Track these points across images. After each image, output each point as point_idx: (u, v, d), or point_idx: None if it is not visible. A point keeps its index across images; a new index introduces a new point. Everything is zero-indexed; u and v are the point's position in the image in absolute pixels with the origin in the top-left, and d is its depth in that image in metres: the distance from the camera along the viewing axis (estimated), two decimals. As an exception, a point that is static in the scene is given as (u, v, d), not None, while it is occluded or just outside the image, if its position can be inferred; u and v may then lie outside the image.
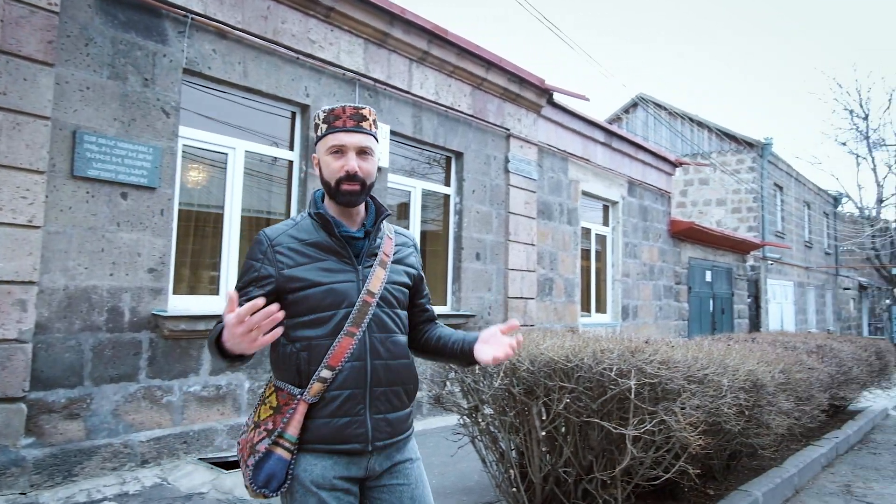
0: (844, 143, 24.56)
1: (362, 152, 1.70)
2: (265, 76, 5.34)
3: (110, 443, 4.24)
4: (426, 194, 7.14)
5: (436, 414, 6.35)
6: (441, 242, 7.32)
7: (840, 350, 6.69)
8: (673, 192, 13.77)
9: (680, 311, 12.32)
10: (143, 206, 4.51)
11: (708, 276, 13.62)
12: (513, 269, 7.97)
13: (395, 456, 1.73)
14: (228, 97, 5.28)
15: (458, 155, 7.38)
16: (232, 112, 5.32)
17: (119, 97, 4.42)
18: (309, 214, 1.75)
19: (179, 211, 4.88)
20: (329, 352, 1.62)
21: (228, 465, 4.46)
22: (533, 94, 8.29)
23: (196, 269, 5.12)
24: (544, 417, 3.13)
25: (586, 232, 9.90)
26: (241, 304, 1.60)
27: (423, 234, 7.11)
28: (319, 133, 1.73)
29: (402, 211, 6.94)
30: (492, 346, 1.73)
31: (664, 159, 12.11)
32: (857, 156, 21.32)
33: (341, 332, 1.63)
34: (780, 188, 20.33)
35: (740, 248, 15.06)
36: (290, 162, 5.74)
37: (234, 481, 4.12)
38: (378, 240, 1.77)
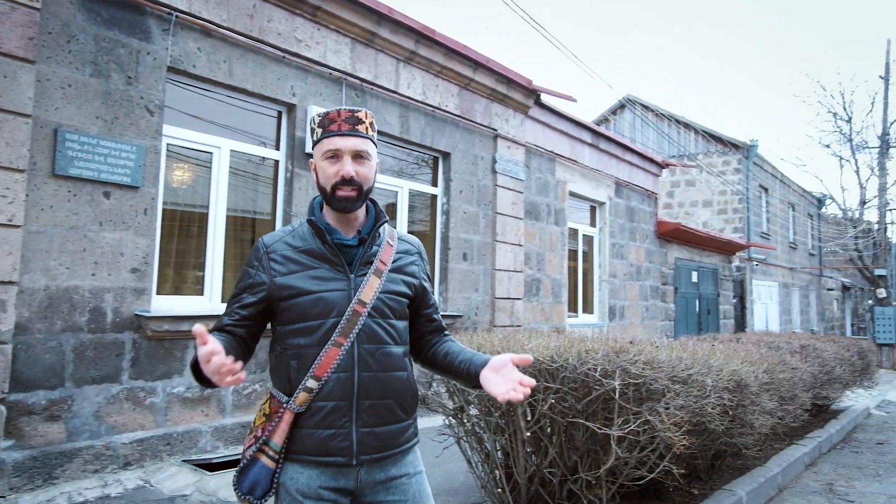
0: (828, 146, 24.98)
1: (358, 156, 1.66)
2: (251, 75, 5.31)
3: (92, 445, 4.19)
4: (413, 194, 7.13)
5: (421, 415, 6.27)
6: (428, 243, 7.30)
7: (823, 350, 6.77)
8: (660, 194, 13.85)
9: (666, 311, 12.39)
10: (126, 205, 4.46)
11: (694, 277, 13.72)
12: (500, 270, 7.97)
13: (391, 470, 1.67)
14: (213, 96, 5.24)
15: (446, 155, 7.38)
16: (217, 111, 5.28)
17: (102, 95, 4.37)
18: (307, 221, 1.72)
19: (163, 210, 4.84)
20: (316, 361, 1.59)
21: (212, 466, 4.42)
22: (520, 94, 8.30)
23: (180, 270, 5.07)
24: (529, 418, 3.13)
25: (573, 232, 9.93)
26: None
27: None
28: (315, 138, 1.69)
29: (390, 211, 6.92)
30: (502, 378, 1.64)
31: (651, 160, 12.18)
32: (841, 158, 21.51)
33: (329, 342, 1.59)
34: (766, 190, 20.54)
35: (726, 248, 15.19)
36: (276, 161, 5.70)
37: (218, 483, 4.09)
38: (375, 247, 1.71)
